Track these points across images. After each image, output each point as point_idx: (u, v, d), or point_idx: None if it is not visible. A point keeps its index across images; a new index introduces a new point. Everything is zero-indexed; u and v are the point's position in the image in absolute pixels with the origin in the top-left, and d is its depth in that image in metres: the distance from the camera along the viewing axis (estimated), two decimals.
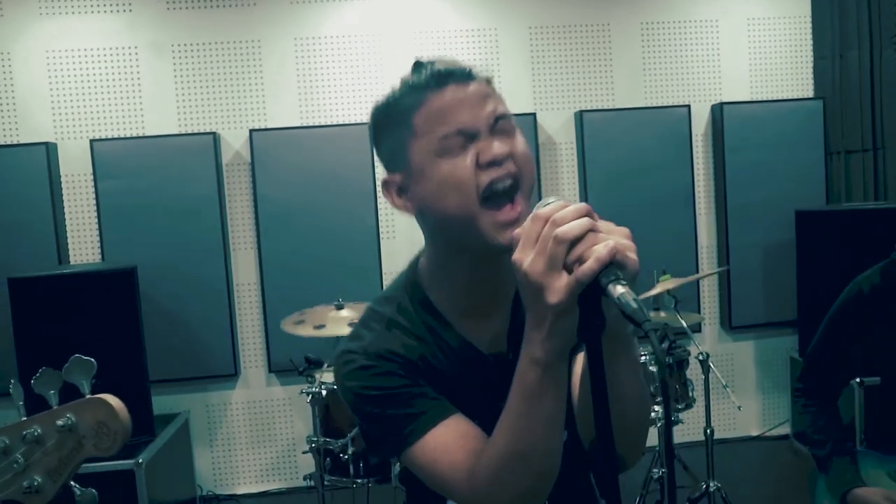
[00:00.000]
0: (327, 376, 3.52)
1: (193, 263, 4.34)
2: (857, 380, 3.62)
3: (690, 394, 3.61)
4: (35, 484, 1.02)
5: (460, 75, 1.15)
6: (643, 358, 3.26)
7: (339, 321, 3.54)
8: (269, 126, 4.46)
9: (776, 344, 4.86)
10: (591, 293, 0.96)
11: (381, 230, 4.46)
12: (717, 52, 4.77)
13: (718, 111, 4.69)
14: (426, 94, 1.13)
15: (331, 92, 4.52)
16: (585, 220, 0.97)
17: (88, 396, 1.02)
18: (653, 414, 3.48)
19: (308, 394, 3.45)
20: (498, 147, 1.11)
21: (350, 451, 3.29)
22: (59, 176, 4.36)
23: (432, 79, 1.14)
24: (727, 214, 4.71)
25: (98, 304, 3.70)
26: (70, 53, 4.35)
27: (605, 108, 4.67)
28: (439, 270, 1.24)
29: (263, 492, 4.58)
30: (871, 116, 4.72)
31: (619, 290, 0.91)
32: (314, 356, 3.61)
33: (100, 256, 4.37)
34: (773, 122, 4.69)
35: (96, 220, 4.35)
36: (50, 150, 4.26)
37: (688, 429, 4.42)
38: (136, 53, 4.39)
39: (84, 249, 4.42)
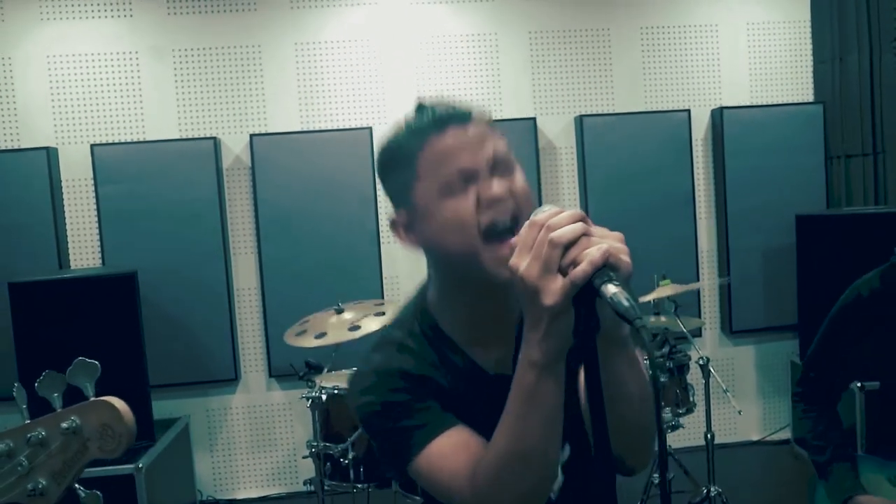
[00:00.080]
0: (327, 381, 3.52)
1: (194, 268, 4.34)
2: (858, 384, 3.63)
3: (691, 398, 3.61)
4: (39, 487, 1.02)
5: (460, 118, 1.20)
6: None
7: (340, 327, 3.54)
8: (270, 131, 4.47)
9: (777, 348, 4.86)
10: (585, 295, 1.00)
11: (381, 234, 4.45)
12: (716, 57, 4.78)
13: (718, 116, 4.70)
14: (428, 138, 1.18)
15: (331, 97, 4.53)
16: (579, 225, 1.01)
17: (93, 399, 1.02)
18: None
19: (308, 398, 3.44)
20: (497, 187, 1.16)
21: (350, 456, 3.29)
22: (60, 180, 4.37)
23: (433, 122, 1.19)
24: (727, 219, 4.71)
25: (98, 309, 3.70)
26: (71, 58, 4.35)
27: (606, 112, 4.68)
28: (446, 300, 1.28)
29: (264, 496, 4.57)
30: (872, 120, 4.73)
31: (612, 289, 0.95)
32: (314, 361, 3.60)
33: (100, 261, 4.37)
34: (774, 127, 4.69)
35: (97, 224, 4.36)
36: (51, 154, 4.26)
37: (688, 433, 4.41)
38: (137, 58, 4.40)
39: (84, 254, 4.42)
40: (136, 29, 4.39)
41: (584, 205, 4.62)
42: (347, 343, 3.55)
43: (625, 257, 0.99)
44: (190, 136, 4.42)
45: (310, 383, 3.50)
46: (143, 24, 4.40)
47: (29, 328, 3.64)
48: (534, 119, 4.55)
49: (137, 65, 4.40)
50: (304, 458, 3.62)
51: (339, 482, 3.37)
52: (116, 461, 3.18)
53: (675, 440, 4.20)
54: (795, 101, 4.83)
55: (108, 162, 4.31)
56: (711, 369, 3.59)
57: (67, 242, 4.39)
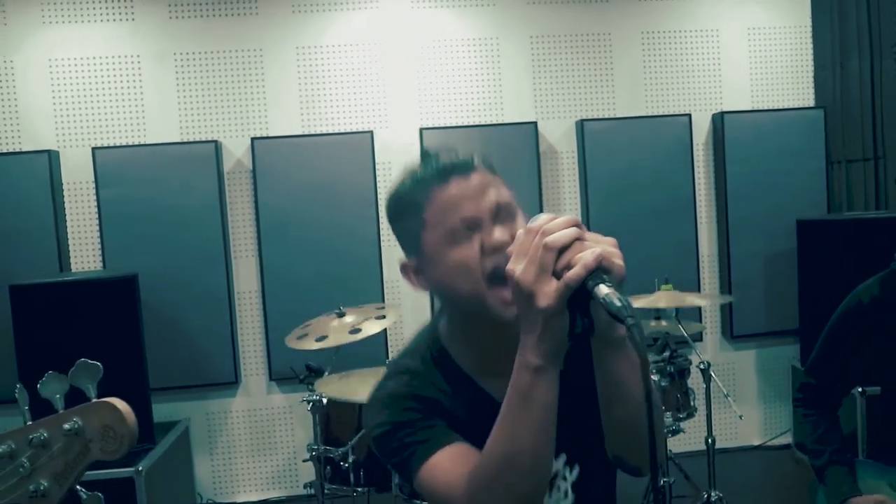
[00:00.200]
0: (328, 384, 3.51)
1: (194, 271, 4.34)
2: (859, 389, 3.63)
3: (692, 403, 3.61)
4: (41, 488, 1.02)
5: (462, 168, 1.25)
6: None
7: (341, 330, 3.54)
8: (271, 134, 4.47)
9: (777, 353, 4.86)
10: (579, 297, 1.03)
11: (381, 238, 4.46)
12: (717, 62, 4.79)
13: (719, 120, 4.71)
14: (432, 190, 1.24)
15: (332, 100, 4.53)
16: (573, 230, 1.05)
17: (95, 400, 1.02)
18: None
19: (309, 402, 3.44)
20: (499, 234, 1.21)
21: (350, 460, 3.28)
22: (61, 184, 4.37)
23: (437, 173, 1.25)
24: (728, 223, 4.71)
25: (99, 312, 3.70)
26: (72, 62, 4.36)
27: (606, 117, 4.68)
28: (456, 332, 1.35)
29: (263, 500, 4.56)
30: (872, 125, 4.73)
31: (604, 290, 0.98)
32: (315, 364, 3.60)
33: (101, 264, 4.37)
34: (774, 132, 4.69)
35: (97, 227, 4.36)
36: (52, 157, 4.27)
37: (689, 438, 4.41)
38: (139, 62, 4.41)
39: (85, 257, 4.42)
40: (138, 32, 4.40)
41: (585, 209, 4.62)
42: (348, 346, 3.55)
43: (617, 260, 1.03)
44: (191, 140, 4.42)
45: (310, 387, 3.49)
46: (145, 28, 4.40)
47: (29, 331, 3.63)
48: (535, 123, 4.55)
49: (139, 68, 4.41)
50: (305, 461, 3.61)
51: (340, 486, 3.36)
52: (116, 464, 3.19)
53: (675, 445, 4.20)
54: (796, 106, 4.83)
55: (109, 165, 4.31)
56: (712, 374, 3.58)
57: (68, 245, 4.39)
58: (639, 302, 3.59)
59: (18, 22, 4.32)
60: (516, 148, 4.49)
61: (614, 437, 1.24)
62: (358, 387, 3.44)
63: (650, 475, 1.06)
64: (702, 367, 3.58)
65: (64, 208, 4.38)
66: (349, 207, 4.44)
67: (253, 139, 4.40)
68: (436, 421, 1.28)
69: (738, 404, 4.32)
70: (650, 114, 4.72)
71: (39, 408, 1.08)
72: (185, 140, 4.42)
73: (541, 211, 4.41)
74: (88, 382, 1.04)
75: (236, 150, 4.48)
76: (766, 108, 4.82)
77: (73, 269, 4.39)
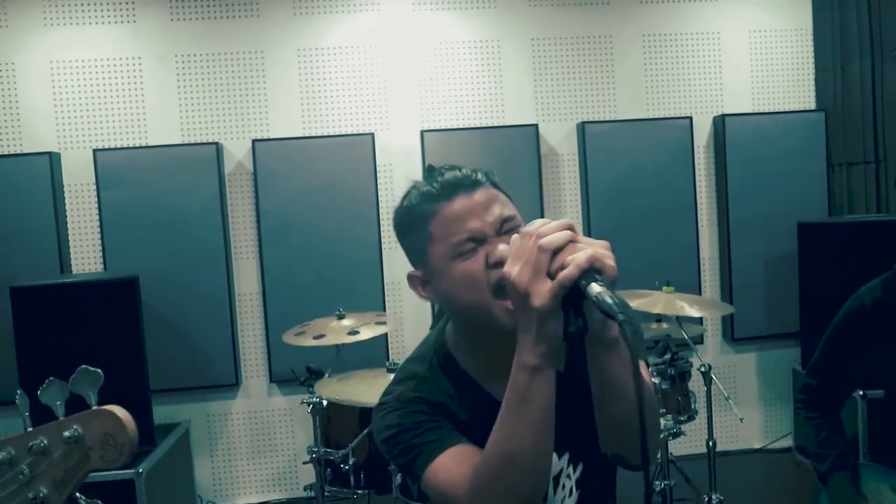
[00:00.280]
0: (328, 386, 3.51)
1: (195, 273, 4.34)
2: (860, 392, 3.63)
3: (693, 406, 3.60)
4: (41, 495, 1.01)
5: (467, 184, 1.29)
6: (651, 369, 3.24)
7: (340, 331, 3.54)
8: (272, 136, 4.47)
9: (778, 356, 4.86)
10: (573, 297, 1.07)
11: (382, 240, 4.45)
12: (718, 64, 4.79)
13: (720, 123, 4.70)
14: (438, 205, 1.28)
15: (334, 102, 4.53)
16: (566, 233, 1.09)
17: (95, 408, 1.02)
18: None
19: (309, 404, 3.44)
20: (504, 248, 1.23)
21: (351, 462, 3.29)
22: (62, 185, 4.37)
23: (443, 190, 1.29)
24: (729, 226, 4.71)
25: (99, 314, 3.70)
26: (74, 63, 4.36)
27: (607, 119, 4.68)
28: (462, 340, 1.39)
29: (264, 502, 4.56)
30: (873, 128, 4.73)
31: (597, 289, 1.02)
32: (315, 366, 3.60)
33: (102, 266, 4.37)
34: (775, 134, 4.69)
35: (98, 229, 4.36)
36: (53, 159, 4.27)
37: (690, 441, 4.41)
38: (140, 64, 4.41)
39: (86, 259, 4.42)
40: (139, 34, 4.40)
41: (586, 211, 4.62)
42: (348, 348, 3.56)
43: (609, 261, 1.06)
44: (192, 142, 4.42)
45: (311, 389, 3.50)
46: (146, 30, 4.41)
47: (30, 332, 3.64)
48: (536, 126, 4.55)
49: (140, 70, 4.41)
50: (305, 463, 3.62)
51: (340, 488, 3.37)
52: (117, 466, 3.18)
53: (676, 447, 4.19)
54: (797, 109, 4.83)
55: (110, 167, 4.31)
56: (713, 377, 3.58)
57: (69, 247, 4.40)
58: (639, 303, 3.58)
59: (20, 24, 4.32)
60: (517, 150, 4.49)
61: (609, 435, 1.27)
62: (358, 389, 3.44)
63: (644, 475, 1.08)
64: (703, 369, 3.58)
65: (65, 210, 4.38)
66: (350, 209, 4.44)
67: (254, 141, 4.40)
68: (442, 423, 1.32)
69: (738, 407, 4.32)
70: (651, 116, 4.72)
71: (40, 414, 1.08)
72: (186, 142, 4.42)
73: (542, 213, 4.42)
74: (89, 389, 1.04)
75: (237, 152, 4.48)
76: (767, 110, 4.82)
77: (74, 271, 4.39)
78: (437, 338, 1.44)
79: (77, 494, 1.03)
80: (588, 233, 4.46)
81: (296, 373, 3.69)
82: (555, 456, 1.31)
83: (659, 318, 3.86)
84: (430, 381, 1.37)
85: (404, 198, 1.36)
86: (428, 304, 4.51)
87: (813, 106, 4.85)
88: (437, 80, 4.58)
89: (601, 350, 1.17)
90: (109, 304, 3.75)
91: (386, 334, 4.36)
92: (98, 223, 4.36)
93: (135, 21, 4.40)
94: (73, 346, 3.53)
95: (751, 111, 4.80)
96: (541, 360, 1.12)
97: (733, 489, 4.06)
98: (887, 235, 4.10)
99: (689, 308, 3.57)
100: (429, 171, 1.34)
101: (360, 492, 3.32)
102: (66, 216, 4.38)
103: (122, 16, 4.39)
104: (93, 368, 1.04)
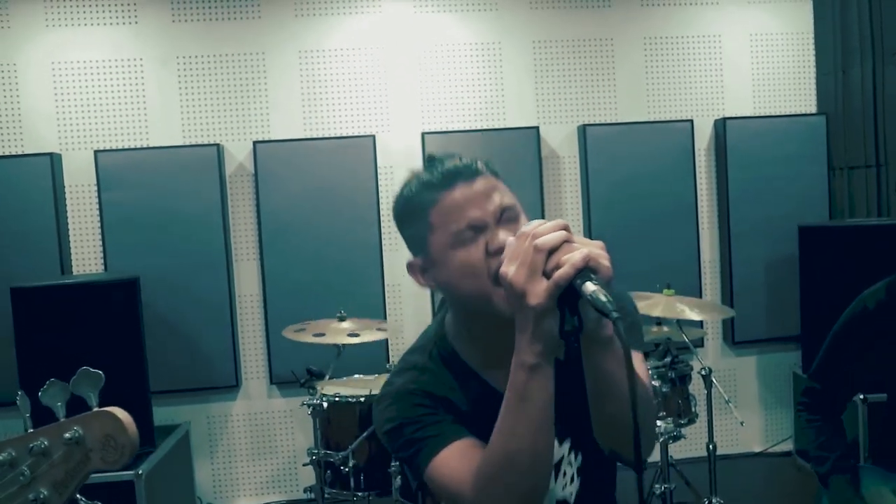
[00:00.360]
0: (328, 388, 3.51)
1: (196, 274, 4.34)
2: (861, 396, 3.63)
3: (693, 409, 3.60)
4: (41, 497, 1.01)
5: (467, 173, 1.29)
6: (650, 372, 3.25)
7: (340, 332, 3.54)
8: (273, 138, 4.48)
9: (779, 359, 4.85)
10: (569, 297, 1.09)
11: (383, 243, 4.45)
12: (719, 68, 4.79)
13: (721, 126, 4.70)
14: (438, 194, 1.28)
15: (335, 104, 4.53)
16: (561, 233, 1.11)
17: (96, 409, 1.02)
18: (657, 429, 3.47)
19: (309, 406, 3.45)
20: (504, 236, 1.24)
21: (351, 464, 3.29)
22: (63, 186, 4.37)
23: (443, 178, 1.29)
24: (730, 229, 4.71)
25: (100, 315, 3.70)
26: (75, 64, 4.37)
27: (608, 122, 4.68)
28: (462, 329, 1.40)
29: None
30: (874, 132, 4.73)
31: (591, 288, 1.04)
32: (316, 368, 3.61)
33: (102, 267, 4.37)
34: (776, 138, 4.69)
35: (99, 230, 4.36)
36: (54, 160, 4.27)
37: (690, 444, 4.40)
38: (141, 65, 4.41)
39: (87, 260, 4.42)
40: (141, 35, 4.40)
41: (587, 214, 4.62)
42: (349, 351, 3.56)
43: (604, 261, 1.08)
44: (193, 143, 4.42)
45: (311, 390, 3.50)
46: (148, 31, 4.41)
47: (30, 333, 3.63)
48: (537, 128, 4.55)
49: (141, 71, 4.41)
50: (305, 465, 3.62)
51: (340, 490, 3.37)
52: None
53: (676, 451, 4.19)
54: (798, 113, 4.83)
55: (111, 168, 4.31)
56: (713, 380, 3.58)
57: (70, 248, 4.40)
58: (640, 306, 3.57)
59: (21, 25, 4.33)
60: (518, 152, 4.49)
61: (605, 432, 1.28)
62: (359, 391, 3.44)
63: (636, 471, 1.09)
64: (703, 372, 3.58)
65: (66, 211, 4.38)
66: (351, 211, 4.44)
67: (255, 143, 4.40)
68: (443, 416, 1.32)
69: (739, 410, 4.31)
70: (652, 119, 4.72)
71: (40, 415, 1.08)
72: (188, 143, 4.42)
73: (542, 216, 4.41)
74: (90, 391, 1.04)
75: (238, 154, 4.49)
76: (768, 114, 4.82)
77: (75, 272, 4.39)
78: (437, 329, 1.44)
79: (77, 496, 1.03)
80: (589, 236, 4.45)
81: (296, 374, 3.69)
82: (556, 442, 1.32)
83: (659, 322, 3.86)
84: (430, 372, 1.38)
85: (404, 187, 1.36)
86: (428, 307, 4.51)
87: (814, 109, 4.85)
88: (438, 82, 4.59)
89: (596, 348, 1.18)
90: (110, 305, 3.75)
91: (387, 338, 4.36)
92: (99, 224, 4.36)
93: (136, 22, 4.40)
94: (73, 348, 3.53)
95: (752, 114, 4.80)
96: (538, 359, 1.14)
97: (733, 493, 4.06)
98: (888, 239, 4.10)
99: (689, 311, 3.57)
100: (428, 160, 1.34)
101: (360, 494, 3.32)
102: (66, 217, 4.39)
103: (123, 17, 4.39)
104: (94, 370, 1.04)
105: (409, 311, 4.57)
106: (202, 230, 4.35)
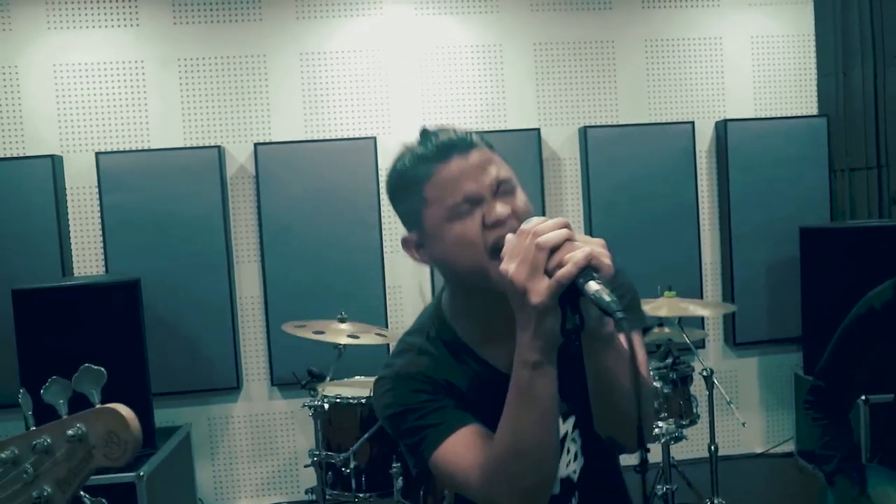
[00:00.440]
0: (329, 389, 3.51)
1: (197, 276, 4.34)
2: (863, 398, 3.63)
3: (694, 410, 3.60)
4: (45, 494, 1.01)
5: (462, 145, 1.26)
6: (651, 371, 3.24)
7: (340, 333, 3.54)
8: (274, 140, 4.48)
9: (780, 361, 4.85)
10: (570, 295, 1.09)
11: (384, 244, 4.45)
12: (720, 70, 4.79)
13: (722, 128, 4.70)
14: (433, 167, 1.25)
15: (336, 106, 4.54)
16: (563, 231, 1.10)
17: (98, 406, 1.01)
18: (656, 430, 3.46)
19: (310, 407, 3.44)
20: (500, 209, 1.23)
21: (352, 465, 3.29)
22: (65, 188, 4.37)
23: (437, 151, 1.26)
24: (731, 231, 4.70)
25: (101, 316, 3.70)
26: (76, 67, 4.37)
27: (609, 123, 4.68)
28: (459, 307, 1.38)
29: None
30: (875, 134, 4.73)
31: (594, 286, 1.04)
32: (317, 369, 3.60)
33: (103, 269, 4.37)
34: (777, 140, 4.69)
35: (100, 232, 4.36)
36: (55, 162, 4.27)
37: (692, 445, 4.40)
38: (143, 67, 4.42)
39: (88, 261, 4.42)
40: (142, 38, 4.41)
41: (588, 215, 4.62)
42: (349, 352, 3.55)
43: (606, 260, 1.08)
44: (194, 145, 4.43)
45: (312, 392, 3.50)
46: (149, 33, 4.41)
47: (32, 335, 3.63)
48: (538, 130, 4.55)
49: (143, 73, 4.41)
50: (306, 466, 3.61)
51: (341, 491, 3.36)
52: (118, 469, 3.18)
53: (678, 452, 4.18)
54: (799, 115, 4.83)
55: (112, 170, 4.32)
56: (715, 381, 3.58)
57: (71, 250, 4.40)
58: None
59: (23, 27, 4.33)
60: (519, 154, 4.49)
61: (604, 422, 1.29)
62: (360, 393, 3.44)
63: (639, 459, 1.10)
64: (704, 374, 3.58)
65: (67, 213, 4.38)
66: (352, 213, 4.44)
67: (256, 145, 4.41)
68: (445, 402, 1.31)
69: (740, 412, 4.31)
70: (653, 121, 4.72)
71: (43, 413, 1.08)
72: (189, 145, 4.43)
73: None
74: (92, 388, 1.03)
75: (239, 156, 4.49)
76: (769, 116, 4.82)
77: (76, 274, 4.39)
78: (434, 308, 1.43)
79: (81, 493, 1.03)
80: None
81: (297, 376, 3.69)
82: (560, 419, 1.31)
83: (661, 323, 3.85)
84: (428, 353, 1.36)
85: (397, 161, 1.32)
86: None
87: (815, 111, 4.85)
88: (439, 84, 4.59)
89: (598, 346, 1.19)
90: (111, 307, 3.75)
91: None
92: (100, 226, 4.36)
93: (138, 24, 4.41)
94: (74, 349, 3.52)
95: (753, 116, 4.80)
96: (541, 356, 1.14)
97: (735, 493, 4.05)
98: (889, 241, 4.10)
99: (692, 307, 3.58)
100: (422, 133, 1.31)
101: (361, 495, 3.32)
102: (68, 219, 4.39)
103: (124, 19, 4.40)
104: (95, 367, 1.04)
105: (410, 311, 4.56)
106: (203, 232, 4.35)
